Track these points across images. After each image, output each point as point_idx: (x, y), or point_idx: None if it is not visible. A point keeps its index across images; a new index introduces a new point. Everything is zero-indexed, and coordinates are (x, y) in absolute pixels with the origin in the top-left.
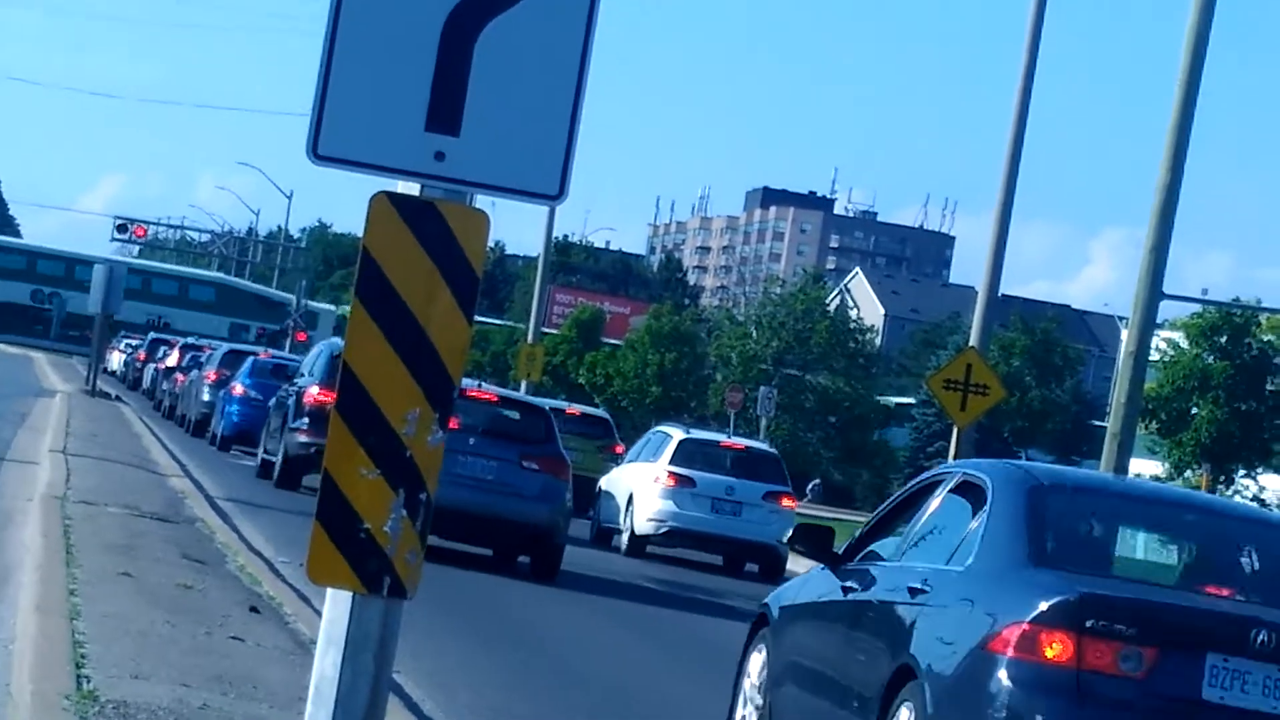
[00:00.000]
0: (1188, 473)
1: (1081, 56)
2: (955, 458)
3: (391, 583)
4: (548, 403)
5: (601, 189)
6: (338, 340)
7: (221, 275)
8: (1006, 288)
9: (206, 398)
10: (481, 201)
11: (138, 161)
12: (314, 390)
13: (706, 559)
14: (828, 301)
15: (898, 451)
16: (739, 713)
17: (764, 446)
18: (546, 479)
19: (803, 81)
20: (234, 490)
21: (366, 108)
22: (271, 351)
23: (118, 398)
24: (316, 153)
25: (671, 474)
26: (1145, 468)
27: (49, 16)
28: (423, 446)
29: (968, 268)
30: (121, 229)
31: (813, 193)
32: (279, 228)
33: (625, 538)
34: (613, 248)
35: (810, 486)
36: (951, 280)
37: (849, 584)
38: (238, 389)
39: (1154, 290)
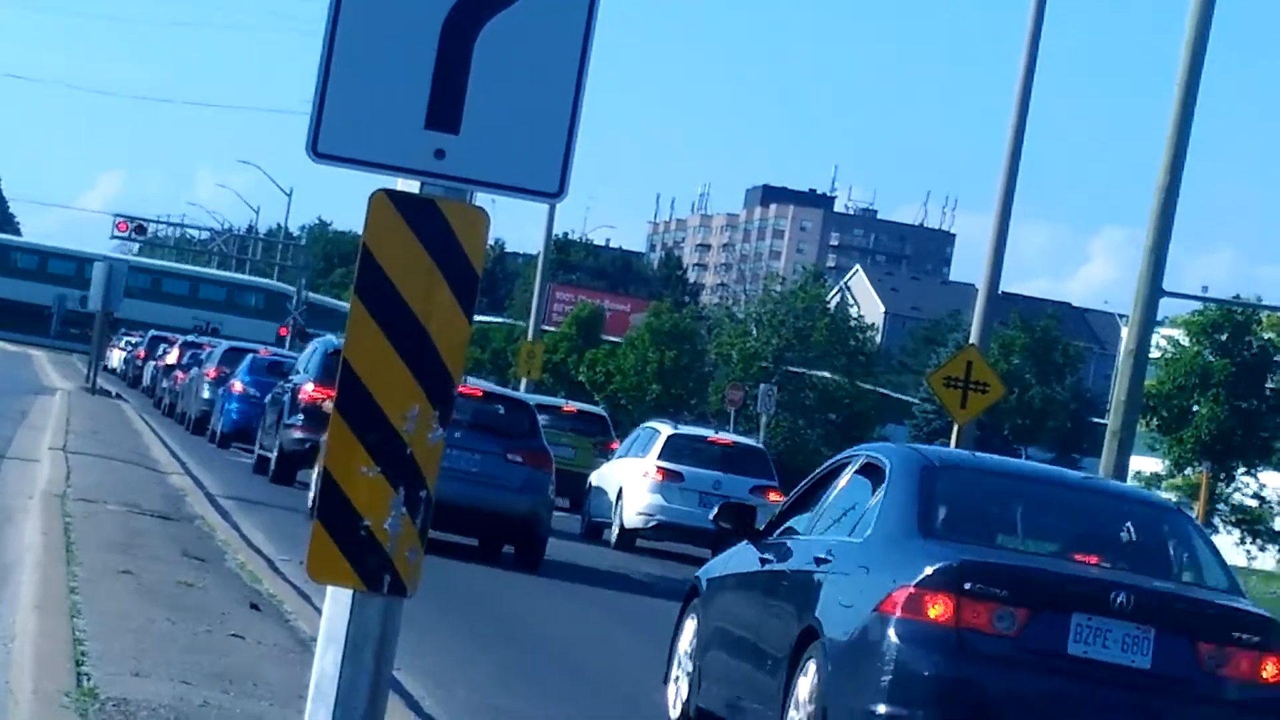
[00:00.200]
0: (1188, 470)
1: (1081, 54)
2: None
3: (391, 580)
4: (547, 400)
5: (601, 186)
6: (332, 338)
7: (269, 281)
8: (1007, 285)
9: (206, 395)
10: (481, 199)
11: (137, 159)
12: (309, 387)
13: (695, 552)
14: (828, 299)
15: None
16: (673, 676)
17: (750, 441)
18: (530, 471)
19: (803, 79)
20: (234, 487)
21: (366, 105)
22: (271, 349)
23: (118, 395)
24: (316, 150)
25: (660, 469)
26: (1146, 465)
27: (48, 15)
28: (423, 444)
29: (968, 265)
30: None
31: (813, 190)
32: (279, 225)
33: (615, 531)
34: (613, 245)
35: None
36: (951, 278)
37: (766, 556)
38: (237, 386)
39: (1154, 288)
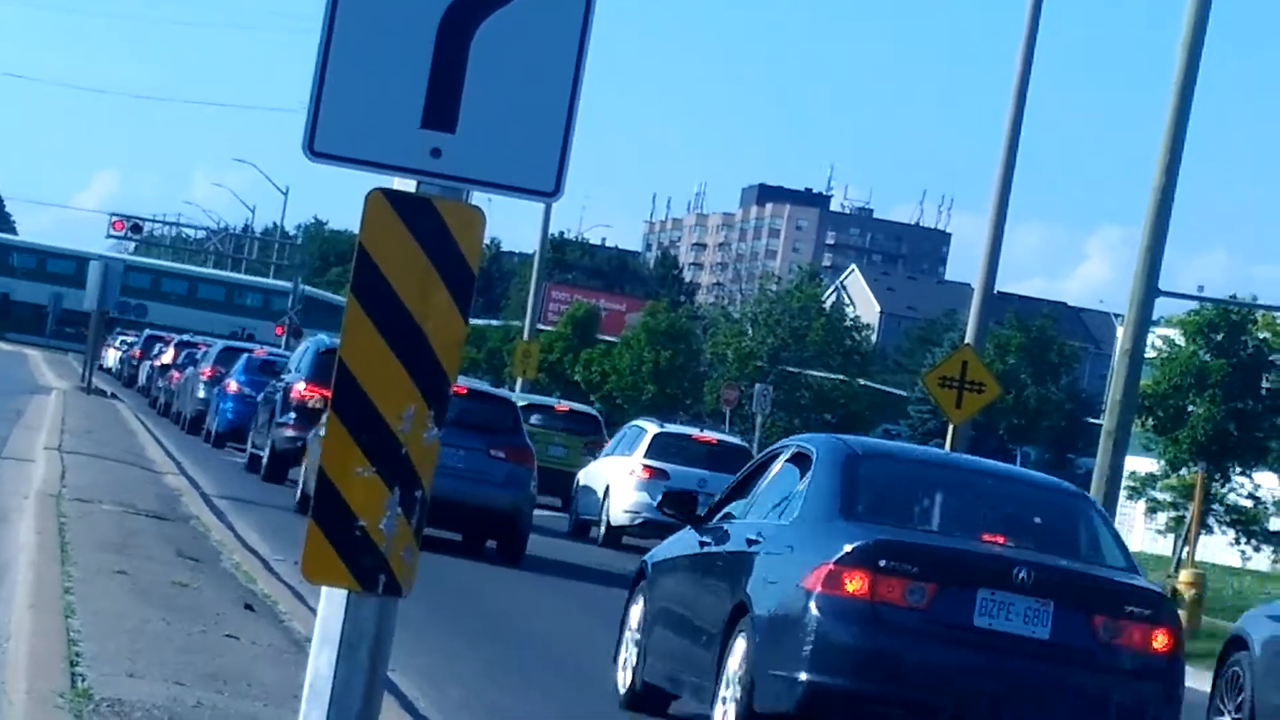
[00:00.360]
0: (1183, 470)
1: (1078, 53)
2: None
3: (386, 581)
4: (540, 400)
5: (597, 186)
6: (324, 337)
7: (306, 288)
8: (1002, 285)
9: (201, 395)
10: (477, 198)
11: (132, 158)
12: (300, 385)
13: None
14: (824, 299)
15: None
16: (622, 654)
17: (735, 440)
18: (512, 467)
19: (799, 78)
20: (229, 487)
21: (363, 104)
22: (266, 349)
23: (113, 395)
24: (313, 149)
25: (646, 467)
26: (1141, 465)
27: (43, 12)
28: (418, 443)
29: (964, 265)
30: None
31: (809, 189)
32: (275, 224)
33: (602, 529)
34: (609, 244)
35: None
36: (947, 277)
37: (705, 539)
38: (232, 386)
39: (1150, 287)
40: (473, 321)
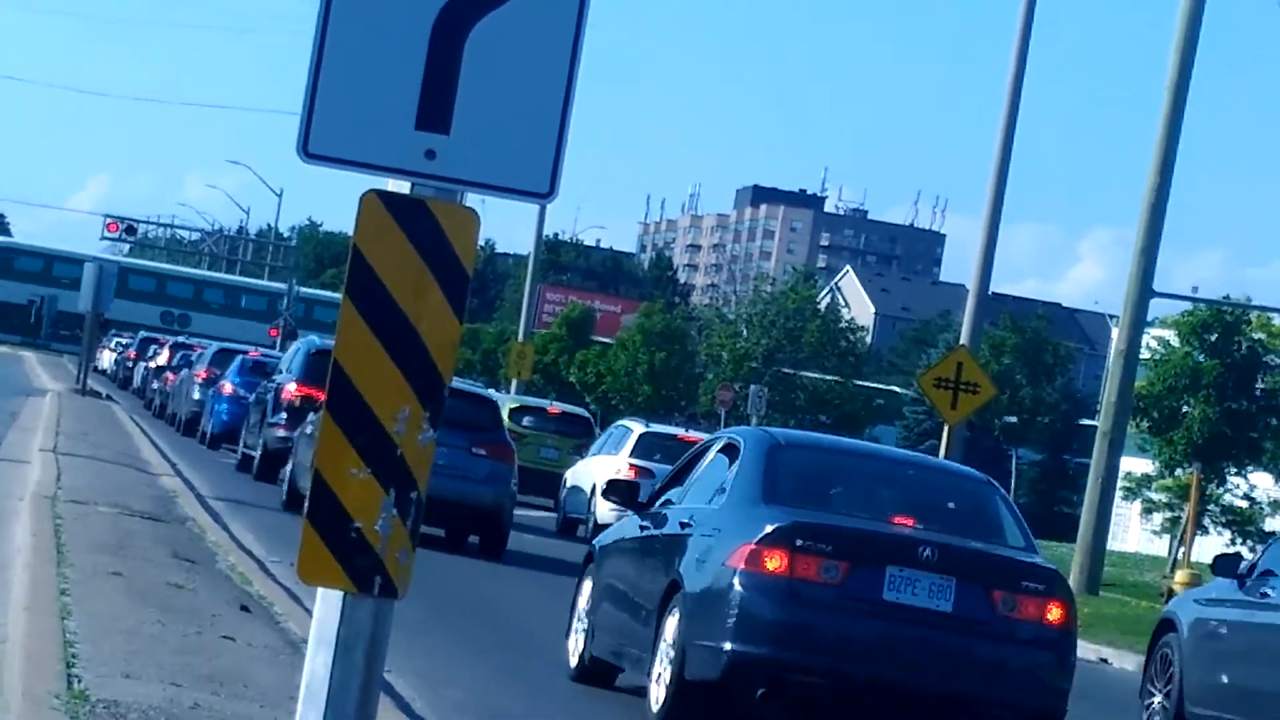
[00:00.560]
0: (1178, 471)
1: (1071, 55)
2: (946, 455)
3: (382, 582)
4: (532, 401)
5: (592, 187)
6: (314, 338)
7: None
8: (997, 286)
9: (196, 396)
10: (472, 200)
11: (126, 160)
12: (291, 386)
13: None
14: (818, 300)
15: None
16: (572, 631)
17: None
18: (494, 464)
19: (793, 79)
20: (224, 489)
21: (357, 106)
22: (260, 350)
23: (108, 397)
24: (307, 151)
25: (632, 465)
26: (1136, 466)
27: (36, 15)
28: (413, 445)
29: (958, 266)
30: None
31: (803, 191)
32: (269, 226)
33: (590, 527)
34: (603, 246)
35: None
36: (942, 278)
37: (645, 524)
38: (227, 388)
39: (1144, 289)
40: (467, 323)
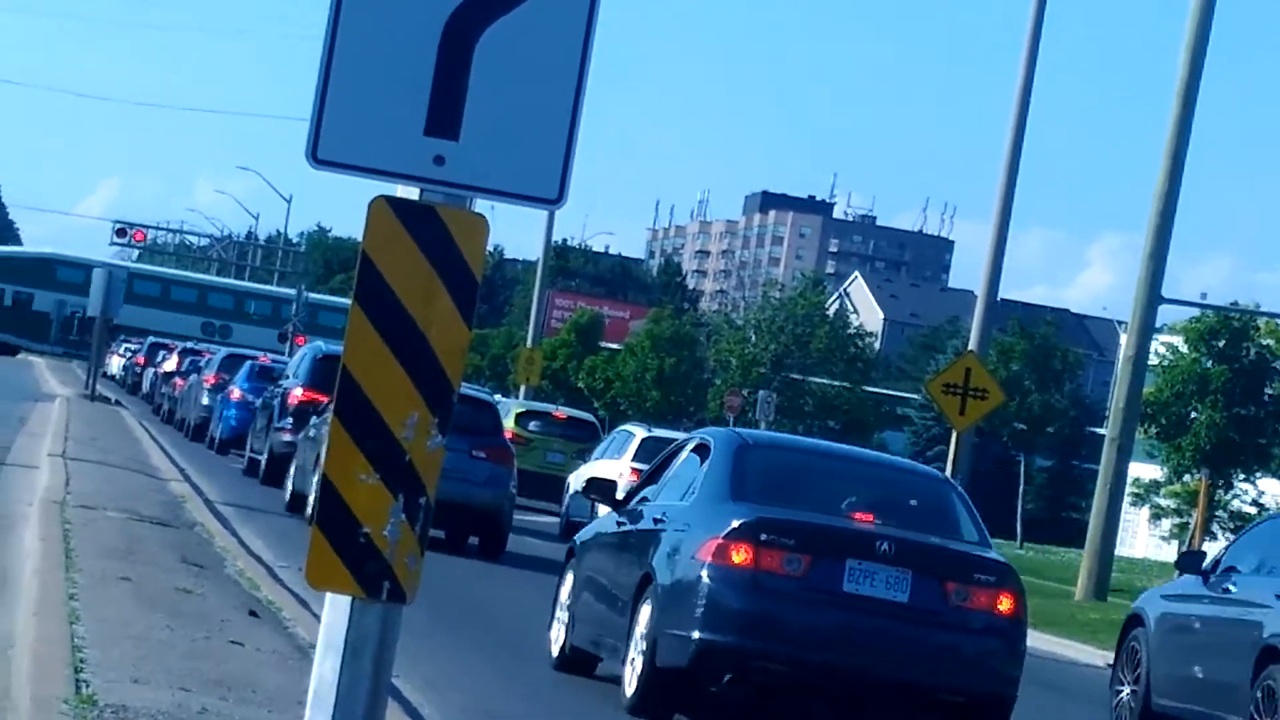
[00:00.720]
0: (1186, 477)
1: (1081, 61)
2: (954, 462)
3: (390, 587)
4: (539, 406)
5: (601, 193)
6: (321, 343)
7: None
8: (1005, 292)
9: (205, 402)
10: (481, 206)
11: (135, 166)
12: (297, 391)
13: None
14: (827, 306)
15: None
16: (554, 622)
17: None
18: (494, 467)
19: (802, 85)
20: (233, 494)
21: (366, 112)
22: (270, 356)
23: (117, 402)
24: (316, 157)
25: (634, 469)
26: (1145, 472)
27: (44, 20)
28: (422, 450)
29: (967, 272)
30: (120, 233)
31: (812, 197)
32: (278, 232)
33: None
34: (612, 252)
35: None
36: (950, 285)
37: (621, 520)
38: (235, 393)
39: (1153, 295)
40: (475, 329)
